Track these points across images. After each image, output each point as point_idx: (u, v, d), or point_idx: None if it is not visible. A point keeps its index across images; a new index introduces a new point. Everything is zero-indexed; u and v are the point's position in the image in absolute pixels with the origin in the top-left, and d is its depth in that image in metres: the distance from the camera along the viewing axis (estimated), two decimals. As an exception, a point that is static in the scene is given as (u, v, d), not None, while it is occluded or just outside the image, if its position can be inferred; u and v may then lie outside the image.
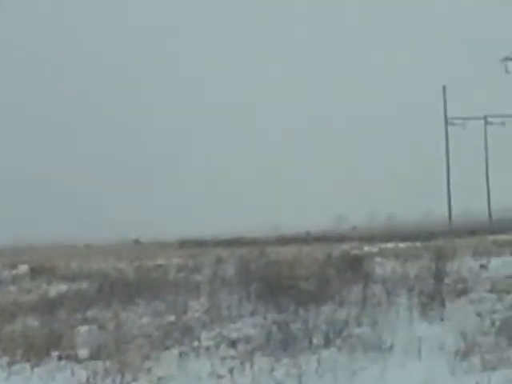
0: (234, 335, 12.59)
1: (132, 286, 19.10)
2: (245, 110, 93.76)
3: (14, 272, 29.62)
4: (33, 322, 14.78)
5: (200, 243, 56.38)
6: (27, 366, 11.12)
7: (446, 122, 62.88)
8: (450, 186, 62.53)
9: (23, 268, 30.52)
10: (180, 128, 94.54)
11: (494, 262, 21.29)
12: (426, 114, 69.38)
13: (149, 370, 10.18)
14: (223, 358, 10.82)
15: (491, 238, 36.71)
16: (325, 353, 10.54)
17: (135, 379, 9.89)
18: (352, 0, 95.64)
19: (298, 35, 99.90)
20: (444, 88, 62.83)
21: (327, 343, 11.20)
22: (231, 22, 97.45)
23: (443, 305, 13.60)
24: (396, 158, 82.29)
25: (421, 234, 41.94)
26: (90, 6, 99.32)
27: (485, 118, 64.27)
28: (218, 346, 11.73)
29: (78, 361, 11.27)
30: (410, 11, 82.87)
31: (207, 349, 11.53)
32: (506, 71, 64.62)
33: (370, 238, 41.76)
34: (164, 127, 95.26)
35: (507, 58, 65.00)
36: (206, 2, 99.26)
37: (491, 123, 64.40)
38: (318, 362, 9.90)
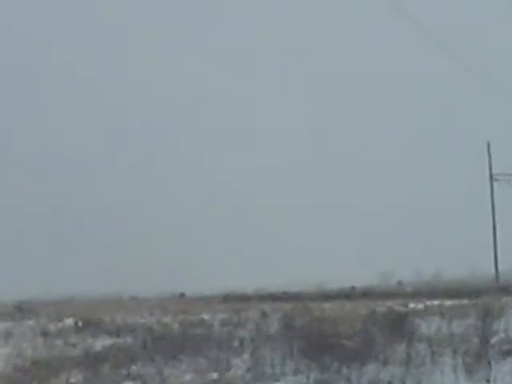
0: (276, 394, 12.56)
1: (176, 342, 19.10)
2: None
3: (60, 325, 29.84)
4: (77, 376, 14.90)
5: (244, 297, 56.35)
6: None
7: (491, 178, 62.47)
8: (497, 242, 61.87)
9: (69, 321, 30.74)
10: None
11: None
12: (470, 170, 68.92)
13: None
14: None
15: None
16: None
17: None
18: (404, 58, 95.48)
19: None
20: (488, 144, 62.56)
21: (370, 404, 11.12)
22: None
23: (489, 366, 13.40)
24: (442, 214, 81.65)
25: (467, 291, 41.33)
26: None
27: (530, 174, 63.70)
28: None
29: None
30: (453, 64, 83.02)
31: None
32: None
33: (416, 295, 41.27)
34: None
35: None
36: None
37: (537, 179, 63.80)
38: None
